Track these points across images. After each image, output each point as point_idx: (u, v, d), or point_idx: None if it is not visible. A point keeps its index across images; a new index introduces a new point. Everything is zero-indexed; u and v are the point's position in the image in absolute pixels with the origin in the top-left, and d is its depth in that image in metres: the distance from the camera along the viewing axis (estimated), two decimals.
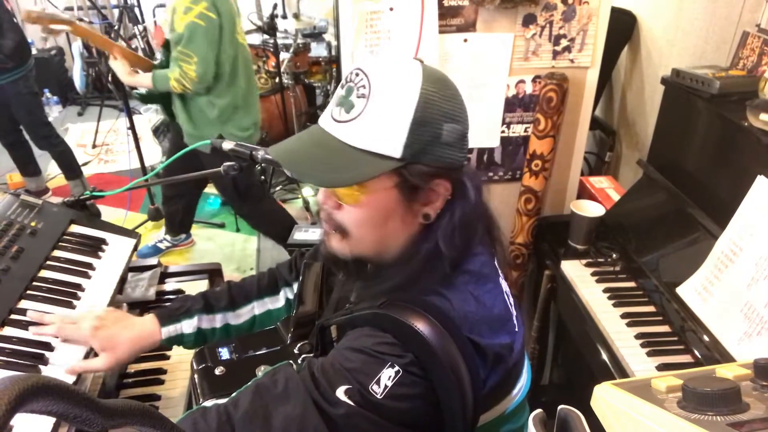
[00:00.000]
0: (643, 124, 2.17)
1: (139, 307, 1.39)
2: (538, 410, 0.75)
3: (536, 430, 0.72)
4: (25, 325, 1.03)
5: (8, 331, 1.02)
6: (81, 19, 4.04)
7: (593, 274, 1.59)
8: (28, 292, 1.10)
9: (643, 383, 0.63)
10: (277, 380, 0.75)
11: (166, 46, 2.35)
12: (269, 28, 3.55)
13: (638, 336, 1.36)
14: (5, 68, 3.08)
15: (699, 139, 1.54)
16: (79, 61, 5.03)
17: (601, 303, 1.49)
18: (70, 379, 0.98)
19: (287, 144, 0.79)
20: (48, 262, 1.19)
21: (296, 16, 4.10)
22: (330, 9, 4.33)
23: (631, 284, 1.54)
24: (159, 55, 2.50)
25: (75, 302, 1.13)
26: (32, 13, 2.18)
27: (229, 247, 3.27)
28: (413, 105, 0.71)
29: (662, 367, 1.27)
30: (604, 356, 1.38)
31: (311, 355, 0.92)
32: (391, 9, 1.59)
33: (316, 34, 4.20)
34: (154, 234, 3.25)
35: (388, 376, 0.70)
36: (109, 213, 3.34)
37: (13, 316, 1.04)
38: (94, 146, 4.52)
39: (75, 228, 1.32)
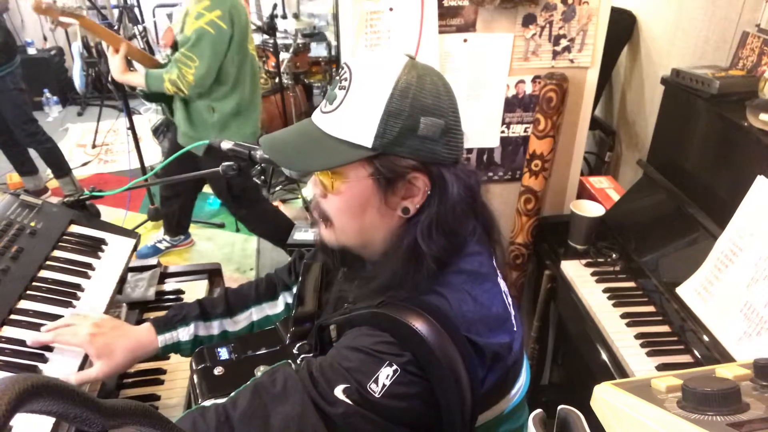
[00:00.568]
0: (643, 124, 2.17)
1: (139, 307, 1.39)
2: (538, 410, 0.75)
3: (536, 430, 0.73)
4: (25, 325, 1.03)
5: (8, 331, 1.02)
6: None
7: (593, 274, 1.59)
8: (28, 292, 1.10)
9: (643, 383, 0.63)
10: (276, 380, 0.75)
11: (175, 47, 2.36)
12: (269, 28, 3.55)
13: (638, 336, 1.36)
14: None
15: (699, 139, 1.54)
16: (78, 61, 5.02)
17: (600, 303, 1.49)
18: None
19: (276, 133, 0.83)
20: (47, 262, 1.19)
21: (296, 16, 4.11)
22: (330, 9, 4.33)
23: (631, 284, 1.54)
24: (165, 54, 2.50)
25: (74, 302, 1.13)
26: (42, 3, 2.17)
27: (229, 247, 3.27)
28: (386, 96, 0.73)
29: (662, 367, 1.27)
30: (604, 356, 1.38)
31: (310, 355, 0.92)
32: (391, 9, 1.59)
33: (316, 34, 4.20)
34: (154, 234, 3.25)
35: (386, 375, 0.71)
36: (108, 213, 3.34)
37: (13, 316, 1.04)
38: (93, 146, 4.52)
39: (74, 228, 1.32)
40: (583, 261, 1.65)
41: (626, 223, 1.70)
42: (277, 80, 3.69)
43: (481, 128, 1.80)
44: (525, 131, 1.81)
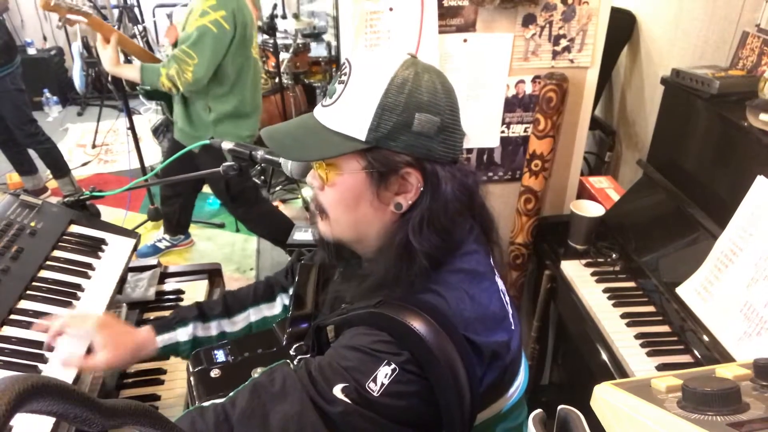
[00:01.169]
0: (642, 124, 2.17)
1: (139, 307, 1.39)
2: (538, 410, 0.75)
3: (536, 430, 0.73)
4: (25, 325, 1.03)
5: (8, 331, 1.02)
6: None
7: (593, 274, 1.59)
8: (28, 292, 1.10)
9: (643, 383, 0.63)
10: (275, 379, 0.75)
11: (177, 45, 2.36)
12: (269, 28, 3.55)
13: (638, 336, 1.36)
14: None
15: (699, 139, 1.54)
16: (78, 61, 5.01)
17: (600, 303, 1.49)
18: (69, 379, 0.98)
19: (277, 125, 0.85)
20: (47, 262, 1.19)
21: (296, 16, 4.11)
22: (329, 9, 4.33)
23: (631, 284, 1.54)
24: (166, 54, 2.50)
25: (74, 302, 1.13)
26: (50, 0, 2.16)
27: (229, 247, 3.27)
28: (381, 90, 0.74)
29: (662, 367, 1.27)
30: (604, 356, 1.38)
31: (307, 355, 0.92)
32: (391, 9, 1.59)
33: (316, 34, 4.20)
34: (154, 234, 3.25)
35: (384, 374, 0.71)
36: (108, 213, 3.34)
37: (13, 316, 1.04)
38: (93, 146, 4.52)
39: (74, 228, 1.32)
40: (583, 261, 1.65)
41: (626, 223, 1.70)
42: (277, 80, 3.69)
43: (481, 128, 1.80)
44: (525, 131, 1.81)
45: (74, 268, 1.21)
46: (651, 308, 1.45)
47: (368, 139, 0.74)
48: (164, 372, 1.27)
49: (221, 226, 3.43)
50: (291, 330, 1.00)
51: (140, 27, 4.69)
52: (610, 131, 2.38)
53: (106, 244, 1.32)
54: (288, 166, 1.00)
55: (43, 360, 0.99)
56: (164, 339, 1.08)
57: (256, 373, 0.83)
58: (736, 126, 1.36)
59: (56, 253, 1.23)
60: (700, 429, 0.50)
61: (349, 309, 0.82)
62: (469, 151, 1.83)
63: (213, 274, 1.57)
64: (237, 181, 2.55)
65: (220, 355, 1.00)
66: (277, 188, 3.77)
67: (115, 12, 4.87)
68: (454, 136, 0.78)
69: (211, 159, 2.32)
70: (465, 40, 1.66)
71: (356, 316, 0.79)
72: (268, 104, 3.74)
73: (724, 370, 0.62)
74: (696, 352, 1.27)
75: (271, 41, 3.61)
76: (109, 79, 3.35)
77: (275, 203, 3.52)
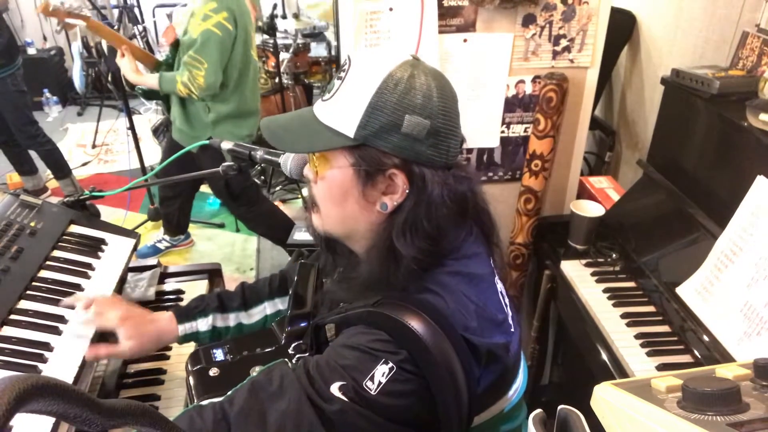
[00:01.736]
0: (642, 124, 2.17)
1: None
2: (538, 410, 0.75)
3: (536, 430, 0.73)
4: (25, 325, 1.03)
5: (8, 331, 1.02)
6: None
7: (593, 274, 1.59)
8: (28, 292, 1.10)
9: (643, 383, 0.63)
10: (273, 377, 0.75)
11: (176, 45, 2.35)
12: (269, 28, 3.55)
13: (638, 336, 1.36)
14: None
15: (699, 139, 1.54)
16: (78, 61, 5.02)
17: (600, 303, 1.49)
18: (69, 379, 0.98)
19: (276, 116, 0.87)
20: (47, 263, 1.19)
21: (296, 16, 4.11)
22: (329, 9, 4.33)
23: (631, 284, 1.54)
24: (166, 54, 2.51)
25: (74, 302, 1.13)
26: (50, 5, 2.17)
27: (229, 247, 3.27)
28: (373, 89, 0.74)
29: (662, 367, 1.27)
30: (604, 356, 1.38)
31: (306, 354, 0.93)
32: (391, 9, 1.59)
33: (316, 34, 4.20)
34: (154, 234, 3.25)
35: (382, 372, 0.71)
36: (108, 213, 3.34)
37: (13, 316, 1.04)
38: (93, 146, 4.52)
39: (74, 228, 1.32)
40: (583, 261, 1.65)
41: (626, 223, 1.70)
42: (277, 80, 3.69)
43: (481, 128, 1.80)
44: (525, 131, 1.81)
45: (74, 268, 1.21)
46: (651, 308, 1.45)
47: (356, 136, 0.75)
48: (164, 372, 1.27)
49: (221, 226, 3.43)
50: (290, 329, 1.01)
51: (140, 27, 4.70)
52: (610, 131, 2.38)
53: (106, 244, 1.32)
54: (287, 165, 0.99)
55: (43, 360, 0.99)
56: (185, 328, 1.11)
57: (255, 371, 0.83)
58: (736, 126, 1.36)
59: (56, 253, 1.23)
60: (700, 429, 0.50)
61: (348, 308, 0.82)
62: (469, 151, 1.83)
63: (213, 274, 1.57)
64: (238, 181, 2.56)
65: (218, 354, 1.01)
66: (277, 188, 3.77)
67: (115, 12, 4.88)
68: (448, 141, 0.77)
69: (210, 158, 2.32)
70: (465, 40, 1.66)
71: (355, 315, 0.79)
72: (268, 104, 3.74)
73: (724, 370, 0.62)
74: (696, 352, 1.27)
75: (271, 41, 3.61)
76: (109, 78, 3.35)
77: (275, 203, 3.52)
